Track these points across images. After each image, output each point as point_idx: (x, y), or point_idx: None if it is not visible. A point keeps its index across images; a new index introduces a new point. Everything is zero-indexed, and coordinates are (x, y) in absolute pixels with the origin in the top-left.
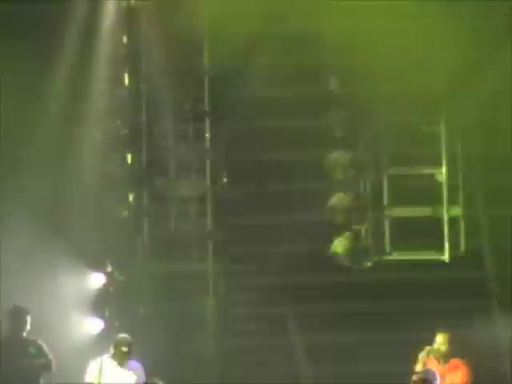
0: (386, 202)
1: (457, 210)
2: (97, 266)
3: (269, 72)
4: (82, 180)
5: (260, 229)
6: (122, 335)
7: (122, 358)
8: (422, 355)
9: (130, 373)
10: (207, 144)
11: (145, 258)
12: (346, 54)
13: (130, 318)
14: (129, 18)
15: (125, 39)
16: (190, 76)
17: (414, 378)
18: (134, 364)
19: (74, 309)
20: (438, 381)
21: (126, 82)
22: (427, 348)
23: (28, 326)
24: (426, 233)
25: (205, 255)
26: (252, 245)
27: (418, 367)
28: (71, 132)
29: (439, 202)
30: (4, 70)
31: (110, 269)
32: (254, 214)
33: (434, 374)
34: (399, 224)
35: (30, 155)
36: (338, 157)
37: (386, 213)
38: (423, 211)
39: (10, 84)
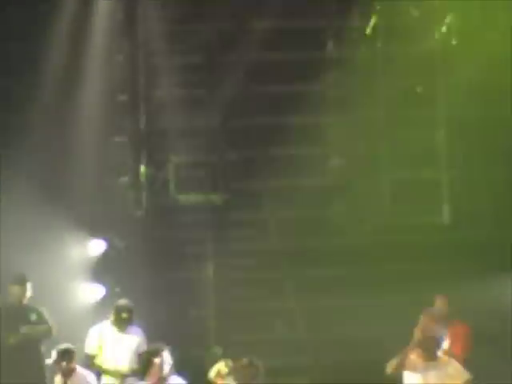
0: (384, 164)
1: (454, 172)
2: (97, 232)
3: (265, 35)
4: (82, 147)
5: (260, 193)
6: (122, 301)
7: (122, 324)
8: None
9: (131, 338)
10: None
11: (144, 225)
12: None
13: (131, 285)
14: None
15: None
16: (187, 41)
17: (420, 336)
18: (135, 330)
19: (74, 275)
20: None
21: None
22: (427, 310)
23: (29, 293)
24: (425, 195)
25: (204, 222)
26: (251, 209)
27: (418, 331)
28: (71, 100)
29: (438, 164)
30: None
31: (110, 235)
32: (252, 178)
33: (441, 335)
34: (399, 187)
35: (29, 124)
36: (335, 121)
37: (386, 175)
38: (422, 174)
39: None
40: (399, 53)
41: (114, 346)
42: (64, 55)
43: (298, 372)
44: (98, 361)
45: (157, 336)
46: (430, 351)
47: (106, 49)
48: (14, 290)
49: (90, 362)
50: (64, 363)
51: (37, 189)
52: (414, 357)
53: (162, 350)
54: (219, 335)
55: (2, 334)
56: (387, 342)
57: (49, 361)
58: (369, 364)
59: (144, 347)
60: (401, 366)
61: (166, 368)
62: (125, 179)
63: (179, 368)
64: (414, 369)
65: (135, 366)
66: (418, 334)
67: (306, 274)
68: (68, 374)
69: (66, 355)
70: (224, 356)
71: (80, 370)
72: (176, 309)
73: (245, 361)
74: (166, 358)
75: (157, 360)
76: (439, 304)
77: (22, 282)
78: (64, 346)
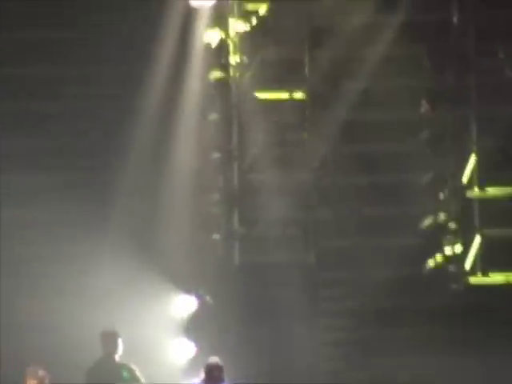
0: (477, 223)
1: None
2: (189, 289)
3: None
4: (176, 204)
5: (352, 251)
6: (213, 359)
7: (213, 382)
8: None
9: None
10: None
11: (236, 282)
12: None
13: (222, 342)
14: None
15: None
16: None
17: None
18: None
19: (166, 333)
20: None
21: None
22: None
23: (120, 350)
24: None
25: (295, 281)
26: (343, 268)
27: None
28: (165, 156)
29: None
30: None
31: (201, 292)
32: (344, 237)
33: None
34: (491, 245)
35: (126, 180)
36: (430, 179)
37: (478, 234)
38: None
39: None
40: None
41: None
42: (160, 111)
43: None
44: None
45: None
46: None
47: (200, 108)
48: (107, 346)
49: None
50: None
51: (131, 245)
52: None
53: None
54: None
55: None
56: None
57: None
58: None
59: None
60: None
61: None
62: (217, 236)
63: None
64: None
65: None
66: None
67: (400, 332)
68: None
69: None
70: None
71: None
72: (267, 366)
73: None
74: None
75: None
76: None
77: (113, 339)
78: None
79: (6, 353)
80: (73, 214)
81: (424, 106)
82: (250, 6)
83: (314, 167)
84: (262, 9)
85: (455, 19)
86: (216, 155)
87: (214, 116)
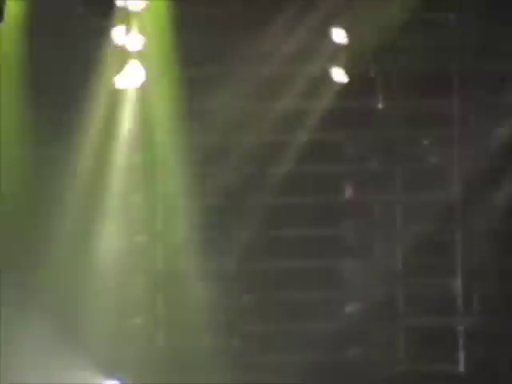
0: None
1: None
2: (112, 374)
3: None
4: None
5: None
6: None
7: None
8: None
9: None
10: None
11: (159, 366)
12: None
13: None
14: None
15: None
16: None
17: None
18: None
19: None
20: None
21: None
22: None
23: None
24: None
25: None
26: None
27: None
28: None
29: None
30: None
31: (124, 377)
32: (267, 323)
33: None
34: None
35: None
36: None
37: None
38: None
39: None
40: None
41: None
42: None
43: None
44: None
45: None
46: None
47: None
48: None
49: None
50: None
51: (54, 329)
52: None
53: None
54: None
55: None
56: None
57: None
58: None
59: None
60: None
61: None
62: (139, 320)
63: None
64: None
65: None
66: None
67: None
68: None
69: None
70: None
71: None
72: None
73: None
74: None
75: None
76: None
77: None
78: None
79: None
80: None
81: (348, 192)
82: None
83: (238, 253)
84: None
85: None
86: (141, 238)
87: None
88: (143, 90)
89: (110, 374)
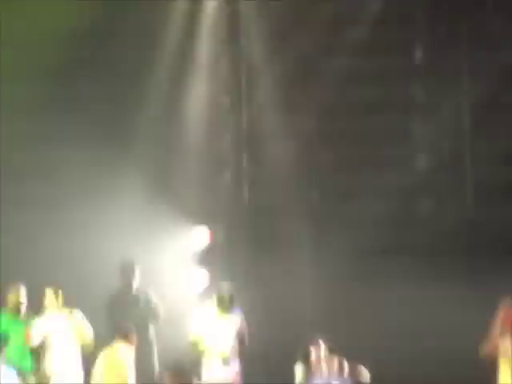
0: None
1: None
2: (202, 224)
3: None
4: (190, 145)
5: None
6: (224, 283)
7: (224, 306)
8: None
9: (232, 320)
10: None
11: (245, 219)
12: None
13: (232, 274)
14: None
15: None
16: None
17: None
18: (237, 312)
19: (181, 263)
20: None
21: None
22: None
23: (138, 278)
24: None
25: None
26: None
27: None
28: (179, 101)
29: None
30: None
31: (214, 227)
32: (342, 175)
33: None
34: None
35: (143, 123)
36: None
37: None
38: None
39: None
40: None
41: (216, 326)
42: (172, 59)
43: None
44: (201, 345)
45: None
46: None
47: (211, 53)
48: (125, 276)
49: (193, 347)
50: None
51: (149, 182)
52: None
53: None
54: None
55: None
56: None
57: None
58: None
59: (244, 329)
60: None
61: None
62: (228, 175)
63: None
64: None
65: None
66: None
67: (401, 266)
68: None
69: None
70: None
71: None
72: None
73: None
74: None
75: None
76: None
77: (131, 268)
78: None
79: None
80: (96, 154)
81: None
82: None
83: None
84: None
85: None
86: (226, 99)
87: (223, 61)
88: None
89: (201, 223)
